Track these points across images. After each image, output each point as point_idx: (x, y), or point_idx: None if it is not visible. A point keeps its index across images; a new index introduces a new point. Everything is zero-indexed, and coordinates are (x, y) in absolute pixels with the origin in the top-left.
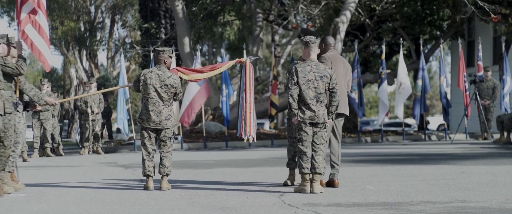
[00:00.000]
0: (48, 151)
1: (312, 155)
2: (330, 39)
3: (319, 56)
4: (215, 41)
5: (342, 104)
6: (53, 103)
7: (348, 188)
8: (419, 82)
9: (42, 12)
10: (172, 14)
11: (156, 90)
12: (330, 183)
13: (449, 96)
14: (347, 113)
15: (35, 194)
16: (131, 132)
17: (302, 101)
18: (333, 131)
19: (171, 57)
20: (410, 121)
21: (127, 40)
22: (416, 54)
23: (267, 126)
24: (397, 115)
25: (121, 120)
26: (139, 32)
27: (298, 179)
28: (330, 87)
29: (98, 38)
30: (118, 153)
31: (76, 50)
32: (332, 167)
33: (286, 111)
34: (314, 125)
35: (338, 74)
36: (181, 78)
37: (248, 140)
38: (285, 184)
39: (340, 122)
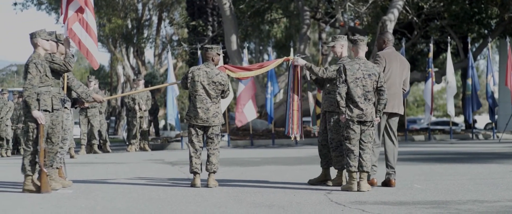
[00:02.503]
0: (96, 147)
1: (359, 153)
2: (390, 35)
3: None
4: (262, 39)
5: (396, 104)
6: (101, 101)
7: (396, 187)
8: (469, 81)
9: (90, 10)
10: (219, 12)
11: (204, 88)
12: (387, 183)
13: (496, 96)
14: (402, 113)
15: (82, 190)
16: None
17: (350, 99)
18: (387, 131)
19: (219, 54)
20: (457, 119)
21: (174, 38)
22: (463, 52)
23: None
24: (449, 113)
25: (171, 116)
26: (186, 30)
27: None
28: (379, 86)
29: (145, 35)
30: (165, 150)
31: (124, 47)
32: (388, 167)
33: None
34: (362, 123)
35: (393, 72)
36: (228, 76)
37: (295, 138)
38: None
39: (395, 121)
